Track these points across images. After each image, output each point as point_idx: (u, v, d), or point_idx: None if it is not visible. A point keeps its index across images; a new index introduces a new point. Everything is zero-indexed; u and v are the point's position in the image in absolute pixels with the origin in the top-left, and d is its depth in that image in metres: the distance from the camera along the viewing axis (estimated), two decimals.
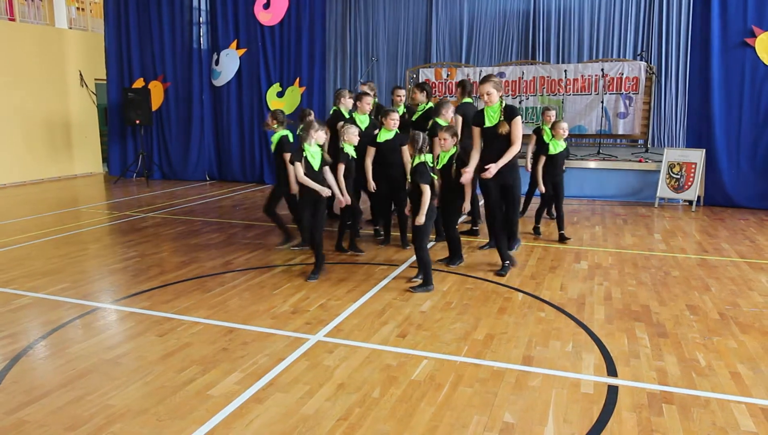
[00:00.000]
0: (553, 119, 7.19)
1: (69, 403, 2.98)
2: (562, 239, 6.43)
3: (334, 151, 5.76)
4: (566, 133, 6.42)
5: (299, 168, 4.84)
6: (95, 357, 3.52)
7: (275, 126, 5.87)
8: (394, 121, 5.77)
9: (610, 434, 2.71)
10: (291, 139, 5.86)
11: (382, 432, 2.72)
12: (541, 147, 6.90)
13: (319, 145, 4.98)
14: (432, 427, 2.76)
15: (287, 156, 5.61)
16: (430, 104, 6.82)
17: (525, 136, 10.15)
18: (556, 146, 6.40)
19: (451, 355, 3.54)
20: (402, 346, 3.67)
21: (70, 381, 3.22)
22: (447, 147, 5.13)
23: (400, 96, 6.97)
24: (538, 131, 7.19)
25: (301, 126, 5.29)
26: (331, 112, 6.69)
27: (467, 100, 6.69)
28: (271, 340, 3.76)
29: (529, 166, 7.23)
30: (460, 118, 6.49)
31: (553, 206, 7.03)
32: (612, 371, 3.33)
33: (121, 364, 3.44)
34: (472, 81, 11.03)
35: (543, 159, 6.40)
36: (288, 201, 6.05)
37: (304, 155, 4.86)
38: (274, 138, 5.88)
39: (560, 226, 6.50)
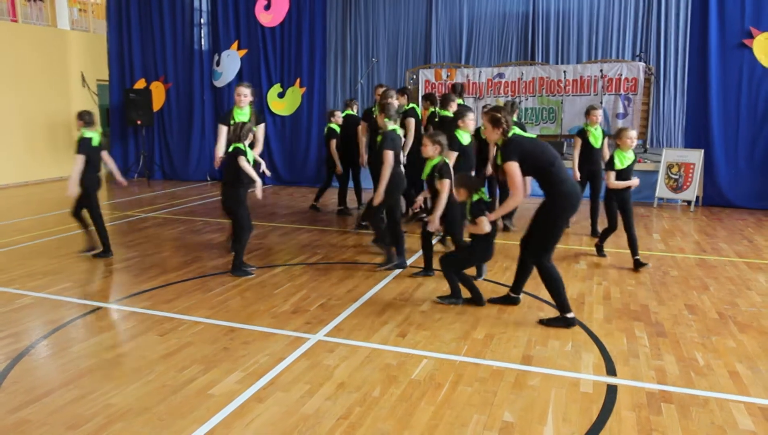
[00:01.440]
0: (599, 119, 6.42)
1: (70, 403, 2.99)
2: (639, 265, 5.32)
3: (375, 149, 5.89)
4: (635, 143, 5.33)
5: (244, 161, 4.94)
6: (96, 356, 3.54)
7: (81, 127, 5.61)
8: (473, 121, 5.59)
9: (610, 433, 2.73)
10: (95, 143, 5.58)
11: (383, 431, 2.74)
12: (589, 152, 6.31)
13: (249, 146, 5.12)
14: (432, 426, 2.78)
15: (79, 157, 5.49)
16: (413, 105, 7.00)
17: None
18: (623, 159, 5.23)
19: (450, 354, 3.55)
20: (402, 345, 3.69)
21: (71, 380, 3.23)
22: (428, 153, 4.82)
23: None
24: (582, 133, 6.47)
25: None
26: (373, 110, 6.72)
27: (459, 101, 6.89)
28: (272, 340, 3.78)
29: (578, 175, 6.44)
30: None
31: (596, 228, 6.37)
32: (611, 370, 3.35)
33: (123, 363, 3.45)
34: (472, 82, 11.09)
35: (613, 175, 5.22)
36: (80, 202, 5.70)
37: (245, 151, 4.98)
38: (77, 138, 5.63)
39: (634, 251, 5.36)
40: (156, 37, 11.73)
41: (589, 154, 6.45)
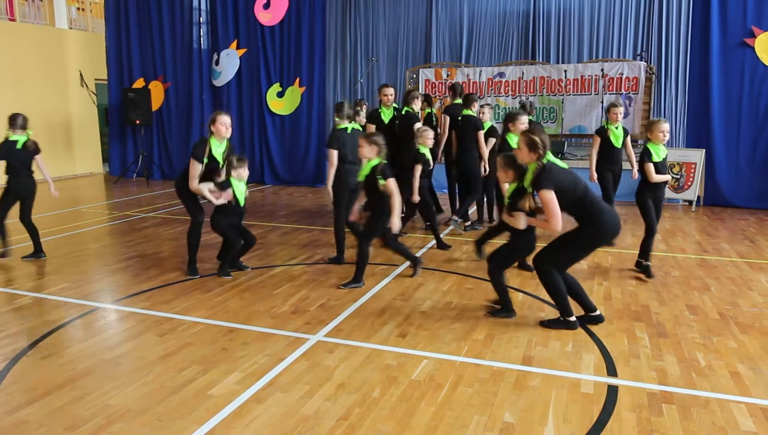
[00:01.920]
0: (620, 116, 6.08)
1: (69, 403, 2.98)
2: (641, 268, 5.15)
3: (409, 152, 6.03)
4: (667, 137, 4.94)
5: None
6: (95, 357, 3.52)
7: (8, 129, 5.56)
8: (523, 124, 5.47)
9: (610, 434, 2.71)
10: (19, 146, 5.50)
11: (382, 432, 2.72)
12: (609, 151, 6.01)
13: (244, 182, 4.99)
14: (432, 427, 2.76)
15: None
16: (395, 105, 7.04)
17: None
18: (659, 152, 4.90)
19: (451, 355, 3.54)
20: (402, 346, 3.67)
21: (70, 381, 3.22)
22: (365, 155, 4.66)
23: (387, 95, 6.66)
24: (602, 132, 6.14)
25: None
26: (403, 112, 6.75)
27: (458, 101, 7.19)
28: (272, 340, 3.76)
29: (595, 176, 6.18)
30: (447, 118, 7.06)
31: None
32: (612, 371, 3.33)
33: (121, 364, 3.44)
34: (473, 81, 11.08)
35: (652, 166, 4.89)
36: (21, 206, 5.71)
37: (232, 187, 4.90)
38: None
39: (642, 253, 5.17)
40: (155, 36, 11.72)
41: (609, 153, 6.13)
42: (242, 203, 5.02)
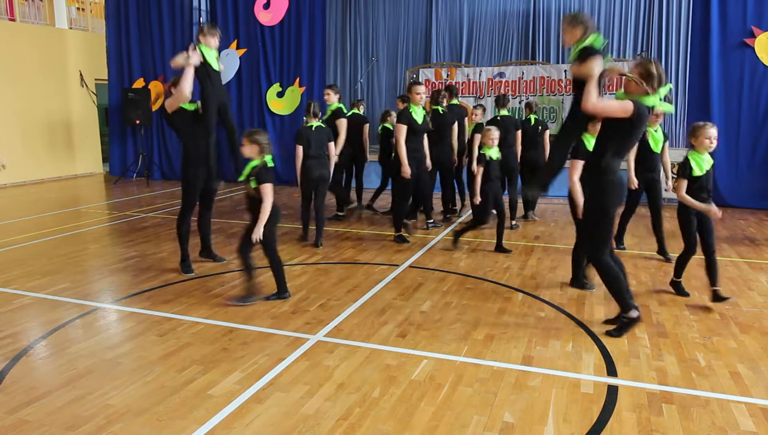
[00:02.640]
0: (660, 119, 5.46)
1: (69, 403, 2.98)
2: (718, 298, 4.36)
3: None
4: (714, 144, 4.21)
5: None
6: (95, 357, 3.53)
7: None
8: (595, 129, 5.16)
9: (610, 434, 2.71)
10: None
11: (382, 432, 2.72)
12: (647, 156, 5.44)
13: None
14: (432, 426, 2.76)
15: None
16: (340, 105, 7.05)
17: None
18: (701, 163, 4.20)
19: (450, 355, 3.54)
20: (402, 346, 3.68)
21: (70, 381, 3.22)
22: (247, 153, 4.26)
23: (419, 93, 6.17)
24: None
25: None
26: (440, 111, 6.94)
27: (454, 102, 7.39)
28: (272, 340, 3.76)
29: (635, 182, 5.64)
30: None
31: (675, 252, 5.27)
32: (612, 371, 3.33)
33: (122, 363, 3.44)
34: (473, 81, 11.09)
35: (684, 184, 4.26)
36: None
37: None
38: None
39: (713, 280, 4.38)
40: (155, 36, 11.72)
41: (646, 158, 5.58)
42: (217, 67, 5.09)
